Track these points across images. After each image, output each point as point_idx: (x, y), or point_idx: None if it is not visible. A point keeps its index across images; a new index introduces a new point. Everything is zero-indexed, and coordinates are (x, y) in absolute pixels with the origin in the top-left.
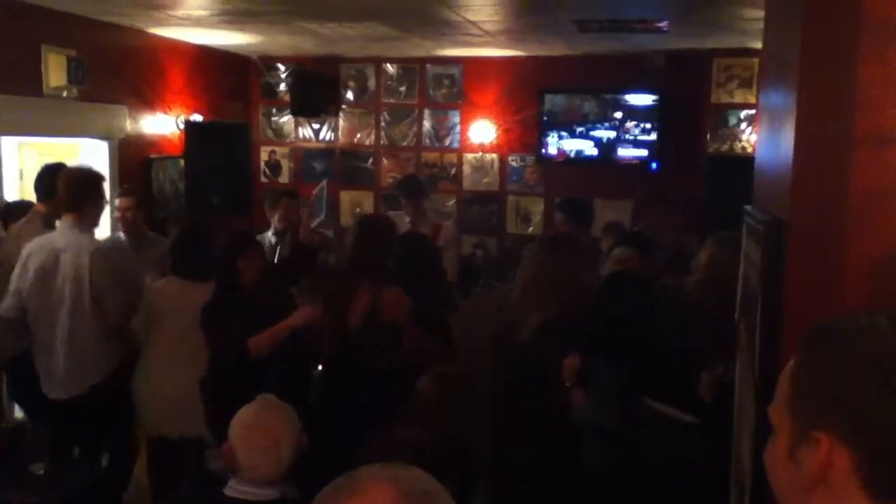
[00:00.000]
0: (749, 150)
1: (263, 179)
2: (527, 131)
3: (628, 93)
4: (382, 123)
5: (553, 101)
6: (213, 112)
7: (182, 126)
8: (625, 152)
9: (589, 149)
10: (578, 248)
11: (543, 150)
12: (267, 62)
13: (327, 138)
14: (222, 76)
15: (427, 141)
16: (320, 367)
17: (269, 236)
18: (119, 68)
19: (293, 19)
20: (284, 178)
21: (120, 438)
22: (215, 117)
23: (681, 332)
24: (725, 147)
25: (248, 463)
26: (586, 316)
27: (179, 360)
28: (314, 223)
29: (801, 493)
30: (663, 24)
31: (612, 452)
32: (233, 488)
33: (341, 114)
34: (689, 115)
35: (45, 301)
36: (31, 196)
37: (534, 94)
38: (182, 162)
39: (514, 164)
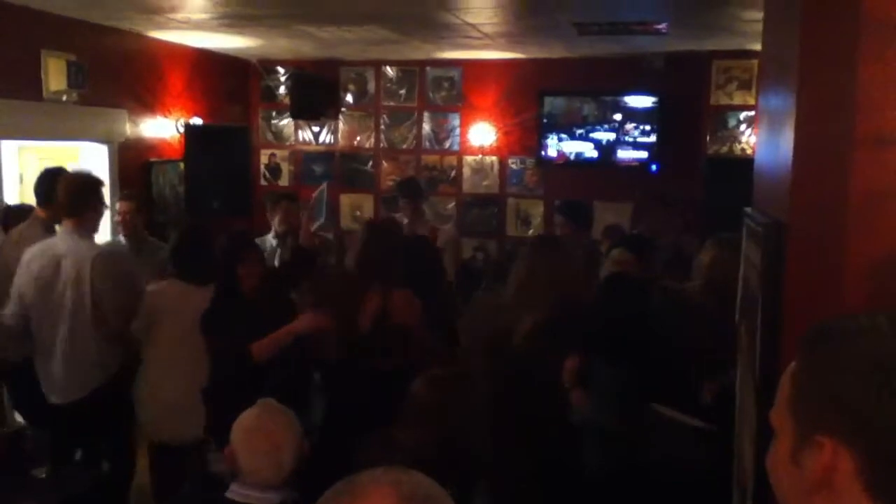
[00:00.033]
0: (749, 151)
1: (263, 182)
2: (526, 134)
3: (628, 95)
4: (382, 126)
5: (552, 104)
6: (212, 115)
7: (182, 130)
8: (624, 154)
9: (589, 151)
10: (569, 248)
11: (543, 153)
12: (266, 65)
13: (327, 141)
14: (222, 80)
15: (427, 143)
16: (320, 373)
17: (270, 239)
18: (119, 72)
19: (292, 23)
20: (284, 182)
21: (120, 442)
22: (215, 121)
23: (683, 334)
24: (725, 149)
25: (250, 467)
26: (585, 317)
27: (179, 363)
28: (314, 226)
29: (804, 496)
30: (662, 27)
31: (612, 452)
32: (235, 492)
33: (341, 117)
34: (688, 116)
35: (46, 306)
36: (32, 200)
37: (533, 97)
38: (182, 165)
39: (513, 166)
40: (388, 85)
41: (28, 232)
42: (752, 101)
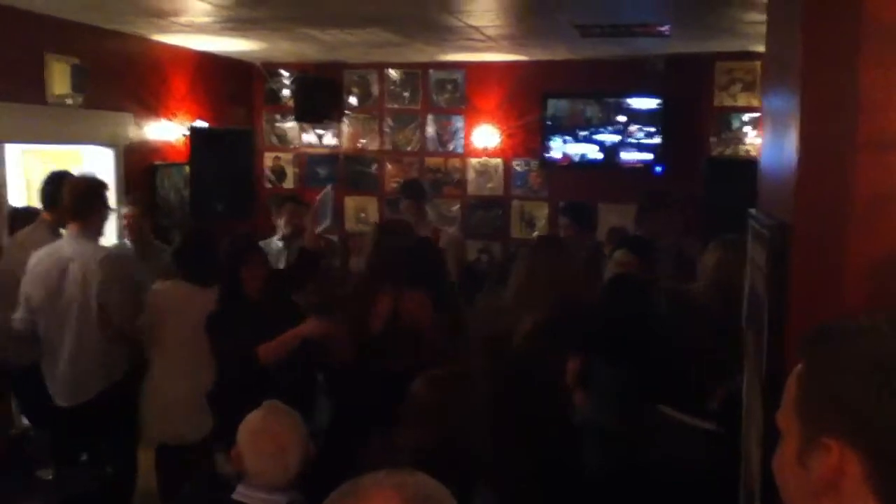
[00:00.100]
0: (753, 153)
1: (268, 185)
2: (530, 136)
3: (631, 97)
4: (386, 129)
5: (556, 106)
6: (217, 118)
7: (186, 133)
8: (628, 156)
9: (593, 153)
10: (571, 249)
11: (547, 155)
12: (270, 68)
13: (331, 144)
14: (226, 83)
15: (431, 146)
16: (325, 376)
17: (275, 241)
18: (123, 75)
19: (295, 26)
20: (289, 184)
21: (122, 445)
22: (219, 124)
23: (688, 336)
24: (729, 150)
25: (256, 468)
26: (587, 317)
27: (182, 363)
28: (320, 228)
29: (810, 498)
30: (665, 29)
31: (612, 452)
32: (241, 493)
33: (345, 119)
34: (692, 118)
35: (53, 309)
36: (37, 203)
37: (537, 99)
38: (187, 168)
39: (518, 168)
40: (392, 87)
41: (34, 235)
42: (755, 103)
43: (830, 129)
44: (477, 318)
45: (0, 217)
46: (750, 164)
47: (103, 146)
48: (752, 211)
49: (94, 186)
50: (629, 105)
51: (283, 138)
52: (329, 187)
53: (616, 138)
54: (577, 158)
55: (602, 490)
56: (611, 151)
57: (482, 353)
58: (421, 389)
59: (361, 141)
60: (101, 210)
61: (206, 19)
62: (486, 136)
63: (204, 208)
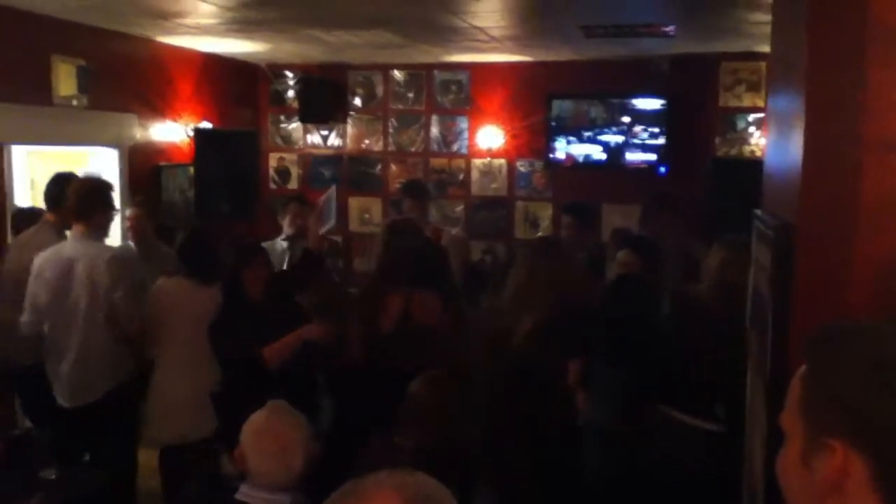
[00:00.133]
0: (758, 153)
1: (272, 186)
2: (535, 136)
3: (636, 97)
4: (390, 129)
5: (560, 107)
6: (221, 119)
7: (191, 134)
8: (633, 157)
9: (597, 153)
10: (570, 249)
11: (551, 155)
12: (275, 70)
13: (335, 145)
14: (231, 84)
15: (435, 147)
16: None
17: (280, 242)
18: (128, 77)
19: (300, 27)
20: (293, 185)
21: (122, 446)
22: (224, 125)
23: (692, 337)
24: (734, 151)
25: (259, 468)
26: (589, 318)
27: (183, 362)
28: (323, 230)
29: (814, 499)
30: (670, 29)
31: (613, 453)
32: (244, 493)
33: (349, 120)
34: (697, 119)
35: (60, 310)
36: (42, 204)
37: (541, 100)
38: (191, 169)
39: (522, 169)
40: (396, 88)
41: (37, 236)
42: (760, 103)
43: (835, 130)
44: (479, 319)
45: (4, 218)
46: (755, 164)
47: (108, 147)
48: (757, 212)
49: (97, 187)
50: (633, 106)
51: (287, 139)
52: (332, 188)
53: (620, 139)
54: (581, 159)
55: (602, 490)
56: (615, 152)
57: (482, 353)
58: (420, 390)
59: (366, 142)
60: (106, 211)
61: (212, 21)
62: (490, 137)
63: (208, 209)
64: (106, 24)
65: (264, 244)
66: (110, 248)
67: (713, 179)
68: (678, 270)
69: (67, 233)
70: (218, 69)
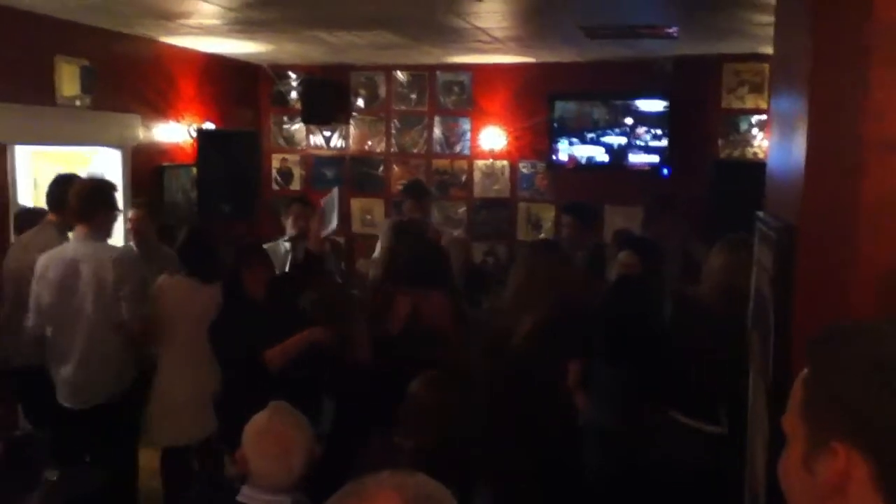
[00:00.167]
0: (761, 155)
1: (275, 187)
2: (537, 138)
3: (638, 98)
4: (393, 130)
5: (563, 108)
6: (224, 120)
7: (194, 134)
8: (636, 158)
9: (600, 155)
10: (570, 250)
11: (554, 157)
12: (277, 70)
13: (338, 146)
14: (233, 84)
15: (437, 148)
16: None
17: (283, 243)
18: (131, 77)
19: (303, 28)
20: (296, 186)
21: (123, 447)
22: (227, 125)
23: (693, 338)
24: (736, 153)
25: (260, 470)
26: (588, 318)
27: (184, 362)
28: (325, 232)
29: (817, 502)
30: (673, 30)
31: (613, 453)
32: (245, 495)
33: (352, 121)
34: (699, 120)
35: (65, 311)
36: (45, 204)
37: (544, 101)
38: (194, 170)
39: (524, 170)
40: (399, 89)
41: (38, 237)
42: (763, 105)
43: (838, 132)
44: (479, 319)
45: (7, 217)
46: (757, 166)
47: (111, 147)
48: (759, 213)
49: (100, 188)
50: (636, 107)
51: (290, 140)
52: (335, 191)
53: (623, 140)
54: (583, 160)
55: (602, 490)
56: (618, 153)
57: (482, 353)
58: (420, 390)
59: (368, 143)
60: (108, 211)
61: (215, 21)
62: (492, 138)
63: (211, 209)
64: (109, 25)
65: (267, 245)
66: (114, 248)
67: (716, 181)
68: (681, 272)
69: (70, 234)
70: (221, 70)
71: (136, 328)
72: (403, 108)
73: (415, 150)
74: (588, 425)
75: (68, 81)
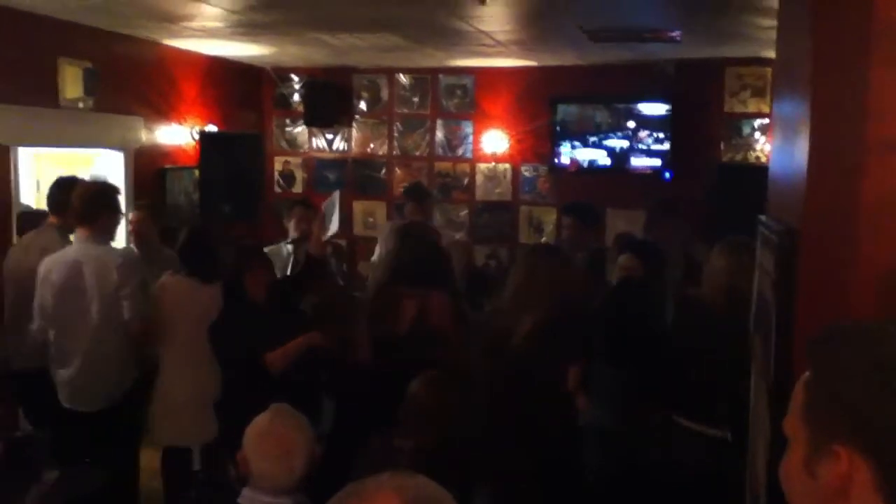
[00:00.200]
0: (763, 159)
1: (277, 189)
2: (539, 141)
3: (641, 102)
4: (395, 133)
5: (565, 111)
6: (227, 123)
7: (196, 137)
8: (638, 162)
9: (602, 158)
10: (570, 251)
11: (556, 160)
12: (280, 73)
13: (340, 148)
14: (236, 87)
15: (440, 151)
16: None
17: (285, 245)
18: (134, 79)
19: (306, 30)
20: (298, 188)
21: (124, 448)
22: (229, 128)
23: (695, 340)
24: (739, 156)
25: (262, 471)
26: (589, 319)
27: (185, 362)
28: (326, 236)
29: None
30: (676, 34)
31: (613, 453)
32: (246, 497)
33: (354, 124)
34: (702, 124)
35: (68, 314)
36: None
37: (546, 104)
38: (196, 172)
39: (526, 173)
40: (402, 92)
41: (40, 238)
42: (766, 109)
43: (840, 134)
44: (479, 320)
45: (10, 219)
46: (759, 170)
47: (114, 150)
48: (761, 217)
49: (103, 191)
50: (639, 111)
51: (292, 142)
52: (335, 194)
53: (625, 144)
54: (585, 164)
55: (602, 490)
56: (620, 157)
57: (482, 354)
58: (420, 390)
59: (370, 146)
60: (111, 215)
61: (217, 24)
62: (494, 141)
63: (213, 212)
64: (112, 27)
65: (270, 248)
66: (117, 250)
67: (718, 185)
68: (682, 275)
69: (71, 236)
70: (223, 72)
71: (137, 328)
72: (406, 111)
73: (417, 153)
74: (588, 426)
75: (71, 83)
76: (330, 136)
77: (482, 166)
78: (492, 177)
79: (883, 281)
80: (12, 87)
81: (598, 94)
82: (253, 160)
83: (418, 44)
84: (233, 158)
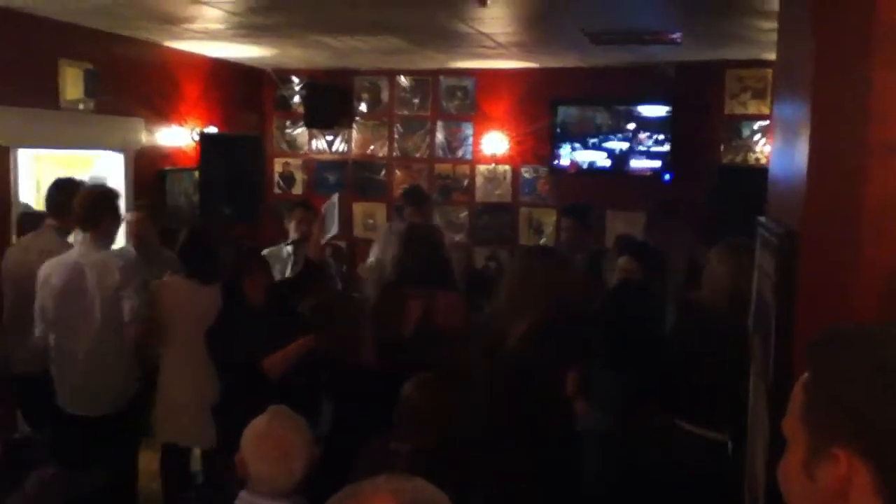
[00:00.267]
0: (763, 161)
1: (277, 191)
2: (539, 143)
3: (641, 104)
4: (395, 135)
5: (566, 113)
6: (227, 124)
7: (197, 138)
8: (637, 163)
9: (602, 160)
10: (567, 253)
11: (556, 162)
12: (281, 75)
13: (341, 150)
14: (237, 89)
15: (440, 152)
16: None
17: (285, 247)
18: (135, 81)
19: (307, 33)
20: (298, 190)
21: (123, 449)
22: (230, 129)
23: (696, 342)
24: (739, 158)
25: (260, 474)
26: (588, 321)
27: (185, 362)
28: (326, 238)
29: None
30: (677, 36)
31: (612, 455)
32: (244, 499)
33: (355, 125)
34: (702, 126)
35: (70, 317)
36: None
37: (546, 106)
38: (196, 174)
39: (526, 175)
40: (402, 94)
41: (39, 240)
42: (766, 111)
43: (840, 137)
44: (478, 321)
45: (10, 220)
46: (759, 172)
47: (114, 151)
48: (761, 219)
49: (105, 195)
50: (639, 112)
51: (292, 144)
52: (335, 196)
53: (625, 146)
54: (585, 166)
55: (602, 491)
56: (620, 159)
57: (481, 354)
58: (413, 392)
59: (371, 147)
60: (112, 219)
61: (219, 26)
62: (495, 143)
63: (213, 213)
64: (113, 29)
65: (270, 249)
66: (118, 253)
67: (718, 187)
68: (682, 277)
69: (70, 238)
70: (224, 74)
71: (136, 331)
72: (406, 112)
73: (417, 155)
74: (588, 428)
75: (72, 85)
76: (330, 138)
77: (482, 168)
78: (492, 178)
79: (885, 284)
80: (12, 88)
81: (599, 96)
82: (253, 161)
83: (419, 46)
84: (233, 160)
